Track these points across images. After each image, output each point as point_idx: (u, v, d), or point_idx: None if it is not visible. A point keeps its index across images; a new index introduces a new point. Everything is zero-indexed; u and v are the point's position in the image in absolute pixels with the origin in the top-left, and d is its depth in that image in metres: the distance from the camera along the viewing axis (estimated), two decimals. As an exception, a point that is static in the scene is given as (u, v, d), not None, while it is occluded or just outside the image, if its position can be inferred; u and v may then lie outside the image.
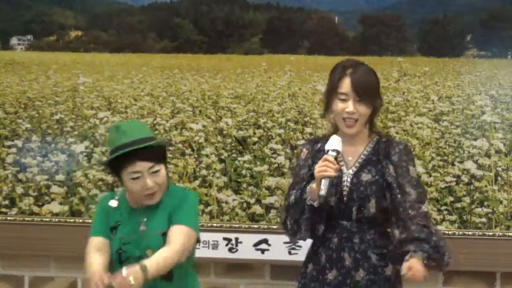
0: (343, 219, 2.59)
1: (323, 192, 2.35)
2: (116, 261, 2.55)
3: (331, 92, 2.53)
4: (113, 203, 2.64)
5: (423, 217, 2.50)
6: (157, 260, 2.45)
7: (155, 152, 2.52)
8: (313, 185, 2.45)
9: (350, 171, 2.58)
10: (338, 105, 2.51)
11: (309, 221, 2.49)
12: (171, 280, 2.57)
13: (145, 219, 2.58)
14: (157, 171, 2.53)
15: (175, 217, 2.54)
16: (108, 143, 2.63)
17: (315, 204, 2.44)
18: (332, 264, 2.57)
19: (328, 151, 2.42)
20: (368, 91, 2.49)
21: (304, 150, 2.62)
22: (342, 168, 2.54)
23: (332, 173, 2.36)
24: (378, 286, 2.56)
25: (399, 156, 2.57)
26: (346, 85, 2.49)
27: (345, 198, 2.56)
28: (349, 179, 2.56)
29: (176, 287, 2.60)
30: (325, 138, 2.62)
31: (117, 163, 2.51)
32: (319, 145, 2.61)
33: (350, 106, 2.47)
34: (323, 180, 2.36)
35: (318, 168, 2.39)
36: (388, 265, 2.58)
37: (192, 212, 2.62)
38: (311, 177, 2.53)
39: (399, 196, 2.53)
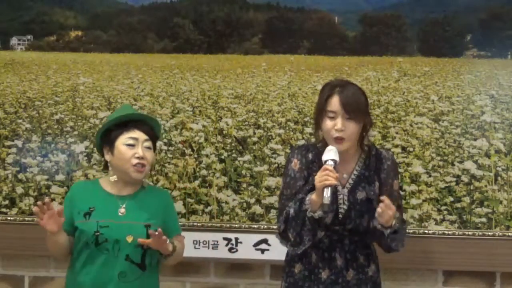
0: (336, 226, 2.64)
1: (326, 201, 2.38)
2: (93, 244, 2.63)
3: (321, 111, 2.58)
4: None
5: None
6: (179, 247, 2.70)
7: (151, 131, 2.71)
8: (313, 196, 2.47)
9: (345, 190, 2.61)
10: (327, 123, 2.55)
11: (311, 231, 2.52)
12: (145, 270, 2.67)
13: (123, 205, 2.67)
14: (149, 148, 2.69)
15: (172, 227, 2.74)
16: (107, 119, 2.78)
17: (316, 215, 2.47)
18: (324, 264, 2.62)
19: (326, 161, 2.45)
20: (356, 109, 2.53)
21: (295, 160, 2.63)
22: (337, 186, 2.56)
23: (333, 181, 2.39)
24: (366, 285, 2.66)
25: (387, 173, 2.66)
26: (334, 103, 2.54)
27: (340, 216, 2.60)
28: (345, 197, 2.60)
29: (145, 278, 2.68)
30: (314, 147, 2.66)
31: (115, 130, 2.66)
32: (310, 156, 2.63)
33: (338, 123, 2.52)
34: (325, 189, 2.38)
35: (319, 178, 2.41)
36: (371, 266, 2.68)
37: (177, 218, 2.86)
38: (309, 189, 2.56)
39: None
